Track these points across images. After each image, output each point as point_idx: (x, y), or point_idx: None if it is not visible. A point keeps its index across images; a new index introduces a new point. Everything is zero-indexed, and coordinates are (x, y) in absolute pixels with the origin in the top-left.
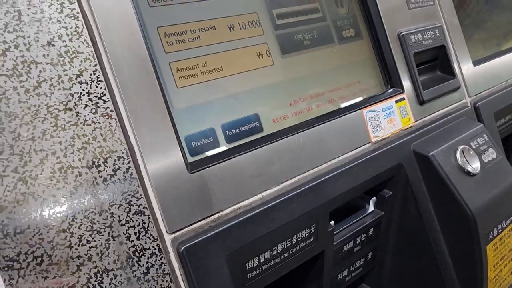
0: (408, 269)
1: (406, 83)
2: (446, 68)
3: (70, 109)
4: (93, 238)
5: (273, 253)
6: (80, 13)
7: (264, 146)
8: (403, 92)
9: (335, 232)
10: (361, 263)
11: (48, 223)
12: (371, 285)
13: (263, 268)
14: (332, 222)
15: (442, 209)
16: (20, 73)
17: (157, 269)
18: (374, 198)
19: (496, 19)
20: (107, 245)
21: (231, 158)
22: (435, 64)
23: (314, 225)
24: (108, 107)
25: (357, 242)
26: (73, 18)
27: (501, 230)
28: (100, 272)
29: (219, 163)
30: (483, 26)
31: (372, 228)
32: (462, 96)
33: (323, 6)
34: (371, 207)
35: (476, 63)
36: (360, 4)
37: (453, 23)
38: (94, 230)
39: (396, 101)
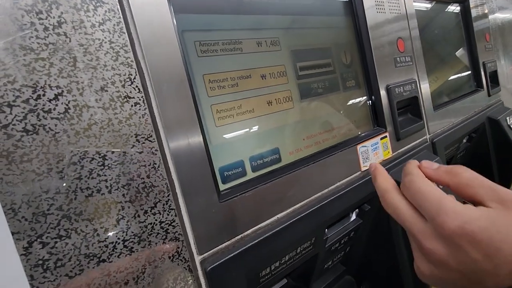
0: (374, 257)
1: (389, 124)
2: (416, 112)
3: (119, 149)
4: (130, 265)
5: (281, 262)
6: (134, 61)
7: (282, 176)
8: (386, 131)
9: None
10: (341, 255)
11: (89, 254)
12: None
13: (272, 274)
14: (326, 231)
15: None
16: (71, 116)
17: (188, 287)
18: (357, 210)
19: (449, 74)
20: (143, 270)
21: (256, 187)
22: (408, 108)
23: (314, 238)
24: (153, 147)
25: (341, 242)
26: (127, 65)
27: None
28: None
29: (245, 192)
30: (440, 71)
31: (353, 232)
32: (424, 133)
33: (334, 61)
34: (353, 216)
35: (435, 108)
36: (361, 63)
37: (423, 77)
38: (132, 258)
39: (381, 138)
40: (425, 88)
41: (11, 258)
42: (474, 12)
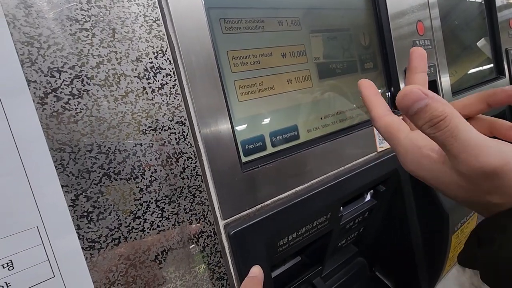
0: (388, 240)
1: None
2: None
3: (151, 116)
4: (162, 223)
5: (299, 233)
6: (165, 34)
7: (300, 152)
8: None
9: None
10: (355, 235)
11: (126, 210)
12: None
13: (290, 244)
14: (341, 209)
15: (422, 205)
16: (110, 84)
17: (211, 247)
18: (372, 191)
19: (467, 59)
20: (173, 229)
21: (275, 161)
22: None
23: (330, 213)
24: (182, 116)
25: (355, 222)
26: (159, 38)
27: (463, 223)
28: (166, 251)
29: (265, 164)
30: (460, 64)
31: (367, 212)
32: None
33: (353, 42)
34: (368, 197)
35: (454, 93)
36: (379, 45)
37: (442, 62)
38: (163, 217)
39: None
40: (444, 73)
41: (61, 208)
42: (498, 1)
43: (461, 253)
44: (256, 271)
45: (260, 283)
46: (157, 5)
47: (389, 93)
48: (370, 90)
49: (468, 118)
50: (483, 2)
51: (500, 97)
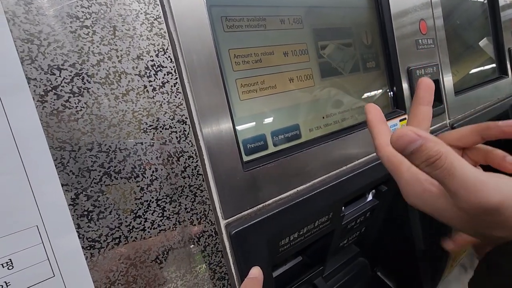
0: (389, 241)
1: (408, 106)
2: (437, 97)
3: (152, 115)
4: (163, 223)
5: (300, 233)
6: (166, 32)
7: (302, 151)
8: (405, 113)
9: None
10: (356, 235)
11: (126, 209)
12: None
13: (291, 244)
14: (343, 208)
15: None
16: (111, 82)
17: (212, 247)
18: (374, 190)
19: (470, 59)
20: (174, 228)
21: (277, 160)
22: None
23: (331, 213)
24: (183, 115)
25: (357, 221)
26: (160, 36)
27: None
28: (167, 250)
29: (267, 164)
30: (462, 64)
31: (368, 212)
32: (444, 118)
33: (355, 41)
34: (370, 197)
35: (456, 93)
36: (382, 44)
37: (445, 62)
38: (164, 216)
39: (400, 120)
40: (446, 72)
41: (61, 207)
42: (501, 1)
43: (471, 280)
44: (256, 272)
45: (260, 284)
46: (158, 2)
47: (392, 93)
48: (376, 116)
49: (464, 148)
50: (486, 2)
51: (493, 132)
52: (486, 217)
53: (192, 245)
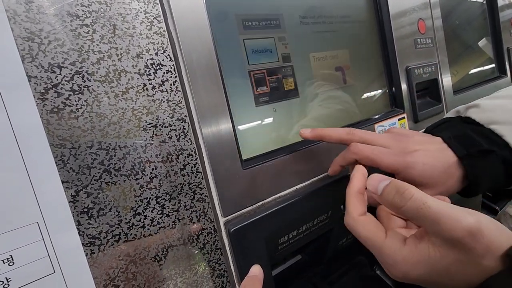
0: None
1: (407, 105)
2: (435, 96)
3: (152, 113)
4: (162, 220)
5: (299, 231)
6: (166, 31)
7: (301, 149)
8: (404, 112)
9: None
10: None
11: (126, 206)
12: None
13: (290, 242)
14: (342, 206)
15: None
16: (111, 80)
17: (211, 245)
18: None
19: (469, 59)
20: (174, 226)
21: (276, 158)
22: (427, 91)
23: (330, 211)
24: (183, 113)
25: None
26: (159, 35)
27: None
28: (167, 248)
29: (266, 162)
30: (461, 64)
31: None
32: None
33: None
34: None
35: (455, 92)
36: (380, 44)
37: (444, 61)
38: (164, 214)
39: (399, 119)
40: (445, 72)
41: (61, 204)
42: (500, 1)
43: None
44: (256, 271)
45: (260, 282)
46: (157, 1)
47: (390, 90)
48: (355, 187)
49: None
50: (484, 2)
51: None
52: (474, 243)
53: (192, 243)
